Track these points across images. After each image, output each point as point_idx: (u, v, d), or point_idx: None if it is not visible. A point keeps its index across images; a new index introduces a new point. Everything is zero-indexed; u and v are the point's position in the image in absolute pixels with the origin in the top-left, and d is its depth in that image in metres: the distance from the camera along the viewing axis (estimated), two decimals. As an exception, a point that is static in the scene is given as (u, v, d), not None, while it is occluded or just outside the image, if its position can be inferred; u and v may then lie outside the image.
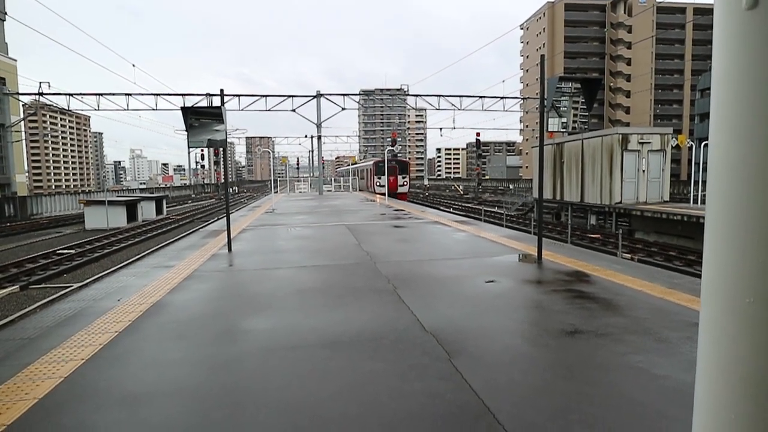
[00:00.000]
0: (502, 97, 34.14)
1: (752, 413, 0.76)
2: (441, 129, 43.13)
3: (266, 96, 31.83)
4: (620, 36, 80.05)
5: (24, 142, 43.48)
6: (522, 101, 40.27)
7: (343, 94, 32.72)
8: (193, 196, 61.35)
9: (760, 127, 0.73)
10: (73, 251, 16.02)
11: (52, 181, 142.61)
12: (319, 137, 33.71)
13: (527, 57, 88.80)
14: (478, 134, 49.74)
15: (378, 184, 35.31)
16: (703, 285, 0.84)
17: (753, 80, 0.73)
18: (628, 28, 79.30)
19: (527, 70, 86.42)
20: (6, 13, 37.43)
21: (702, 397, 0.85)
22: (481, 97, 33.83)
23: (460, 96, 33.67)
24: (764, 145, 0.73)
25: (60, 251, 15.99)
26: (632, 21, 78.05)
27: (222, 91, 9.96)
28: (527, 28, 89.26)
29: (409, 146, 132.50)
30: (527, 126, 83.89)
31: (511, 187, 68.93)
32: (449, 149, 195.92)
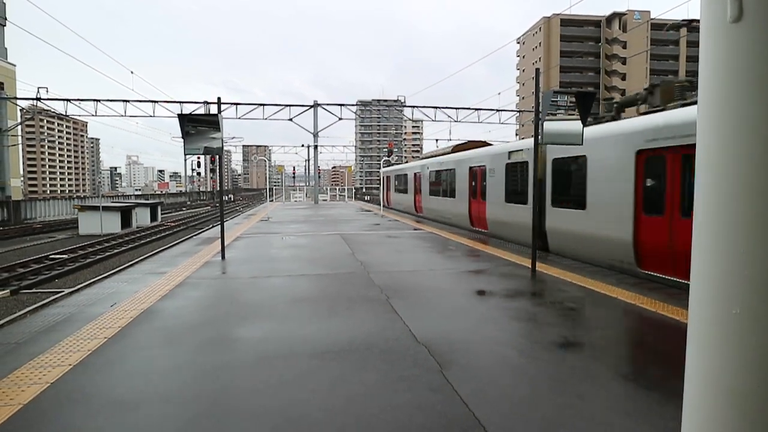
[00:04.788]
0: (498, 110, 34.42)
1: (739, 424, 0.76)
2: (437, 140, 43.42)
3: (263, 105, 31.96)
4: (615, 51, 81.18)
5: (20, 146, 43.37)
6: (518, 114, 40.63)
7: (340, 104, 32.87)
8: (189, 203, 61.12)
9: (747, 139, 0.73)
10: (65, 256, 15.89)
11: (48, 186, 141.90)
12: (316, 147, 33.79)
13: (523, 70, 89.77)
14: (474, 146, 50.02)
15: None
16: (690, 296, 0.84)
17: (738, 90, 0.75)
18: (623, 44, 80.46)
19: (523, 84, 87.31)
20: (6, 19, 37.54)
21: (689, 407, 0.85)
22: (477, 109, 34.10)
23: (456, 108, 33.91)
24: (750, 157, 0.73)
25: (52, 256, 15.85)
26: (627, 36, 79.24)
27: (219, 99, 9.98)
28: (523, 42, 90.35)
29: (405, 157, 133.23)
30: (523, 139, 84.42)
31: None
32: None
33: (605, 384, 3.48)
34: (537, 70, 8.43)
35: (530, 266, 7.78)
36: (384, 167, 30.25)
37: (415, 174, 22.38)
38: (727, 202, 0.76)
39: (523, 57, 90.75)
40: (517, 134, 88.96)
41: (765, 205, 0.72)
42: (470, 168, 13.62)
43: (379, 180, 29.37)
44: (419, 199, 21.37)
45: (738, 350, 0.76)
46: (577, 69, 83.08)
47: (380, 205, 25.12)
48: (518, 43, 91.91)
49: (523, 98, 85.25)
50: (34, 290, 11.46)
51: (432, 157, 20.53)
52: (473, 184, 14.01)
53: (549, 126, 7.19)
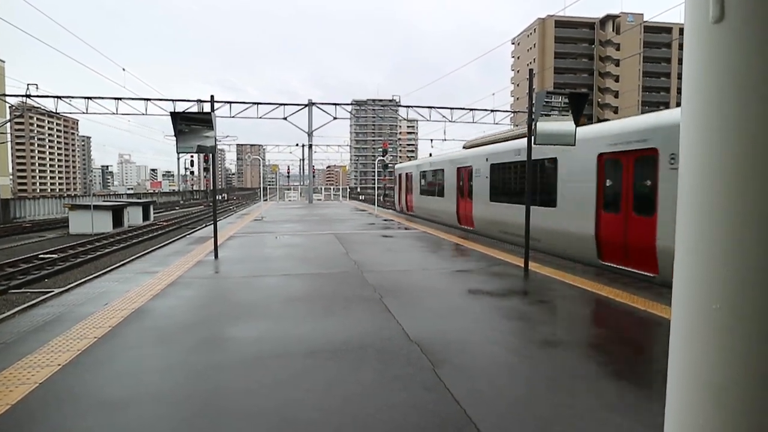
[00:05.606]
0: (492, 110, 34.53)
1: (720, 419, 0.77)
2: (432, 140, 43.41)
3: (257, 104, 31.83)
4: (609, 53, 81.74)
5: (9, 144, 42.89)
6: (512, 114, 40.78)
7: (335, 104, 32.82)
8: (182, 202, 60.69)
9: (729, 138, 0.75)
10: (55, 256, 15.71)
11: (38, 184, 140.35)
12: (310, 146, 33.71)
13: (518, 71, 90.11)
14: (468, 146, 50.02)
15: None
16: (673, 292, 0.86)
17: (720, 90, 0.76)
18: (617, 46, 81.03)
19: (518, 84, 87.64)
20: (-5, 15, 37.09)
21: (672, 402, 0.87)
22: (471, 109, 34.20)
23: (451, 108, 33.96)
24: (732, 156, 0.74)
25: (42, 256, 15.67)
26: (620, 39, 79.79)
27: (212, 97, 9.91)
28: (518, 43, 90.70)
29: (400, 157, 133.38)
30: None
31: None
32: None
33: (597, 382, 3.49)
34: (531, 71, 8.46)
35: (523, 265, 7.81)
36: (398, 163, 28.36)
37: (458, 169, 15.38)
38: (710, 201, 0.77)
39: (518, 58, 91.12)
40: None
41: (747, 203, 0.73)
42: (601, 155, 8.19)
43: (374, 179, 28.18)
44: (468, 208, 14.50)
45: (719, 344, 0.77)
46: (571, 70, 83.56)
47: (374, 204, 25.06)
48: (513, 44, 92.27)
49: (517, 99, 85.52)
50: (23, 290, 11.33)
51: (491, 143, 13.76)
52: (608, 183, 8.20)
53: (542, 126, 7.23)
